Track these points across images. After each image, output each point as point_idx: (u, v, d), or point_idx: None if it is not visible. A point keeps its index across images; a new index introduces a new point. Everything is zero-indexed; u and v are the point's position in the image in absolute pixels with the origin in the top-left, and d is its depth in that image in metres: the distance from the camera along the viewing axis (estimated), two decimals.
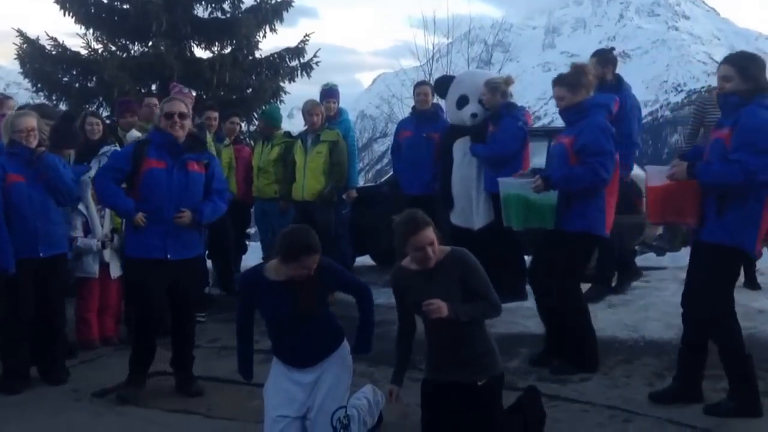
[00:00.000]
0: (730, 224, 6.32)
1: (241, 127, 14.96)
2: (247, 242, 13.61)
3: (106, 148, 9.91)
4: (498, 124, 9.86)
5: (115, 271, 9.46)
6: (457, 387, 5.66)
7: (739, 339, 6.64)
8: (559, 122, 8.49)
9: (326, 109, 11.94)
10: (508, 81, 10.78)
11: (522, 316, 9.61)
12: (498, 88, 10.12)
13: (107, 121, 12.26)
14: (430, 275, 5.68)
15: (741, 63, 6.47)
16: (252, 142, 14.20)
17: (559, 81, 7.85)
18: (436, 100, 11.88)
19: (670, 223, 6.93)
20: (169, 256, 7.51)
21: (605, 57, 10.38)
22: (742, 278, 10.76)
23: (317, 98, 12.13)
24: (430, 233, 5.65)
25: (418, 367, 7.89)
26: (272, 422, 6.07)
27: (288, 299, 6.00)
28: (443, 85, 10.97)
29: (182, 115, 7.45)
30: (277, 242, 6.09)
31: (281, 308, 6.06)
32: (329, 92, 12.43)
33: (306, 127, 11.69)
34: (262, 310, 6.26)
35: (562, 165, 7.67)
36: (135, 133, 9.89)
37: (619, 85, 10.18)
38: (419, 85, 11.93)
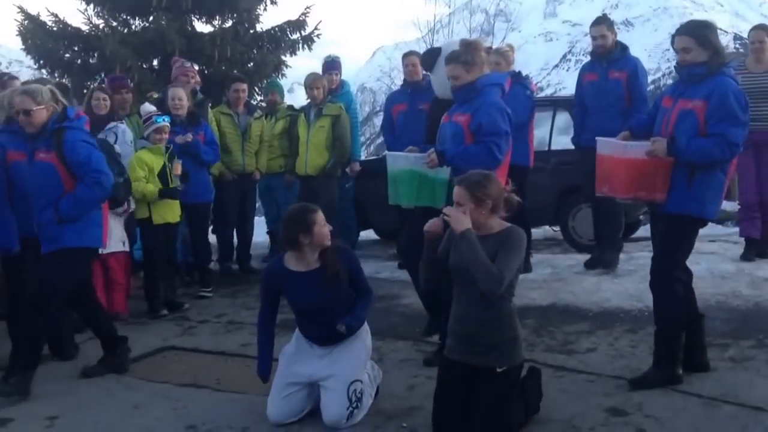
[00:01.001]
0: (697, 195, 6.39)
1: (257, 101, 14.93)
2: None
3: (113, 124, 10.00)
4: (507, 92, 9.76)
5: (116, 245, 9.52)
6: (477, 369, 5.67)
7: (684, 308, 6.72)
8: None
9: (328, 82, 11.98)
10: (512, 47, 10.79)
11: (527, 288, 9.68)
12: (510, 56, 10.15)
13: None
14: (480, 242, 5.64)
15: (699, 32, 6.50)
16: None
17: (454, 59, 7.62)
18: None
19: (640, 199, 6.88)
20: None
21: (611, 22, 10.43)
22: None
23: (319, 71, 12.16)
24: (459, 191, 5.72)
25: (422, 339, 8.01)
26: (283, 386, 6.28)
27: (311, 287, 6.29)
28: (431, 57, 10.51)
29: (25, 113, 7.33)
30: (284, 233, 6.36)
31: (306, 296, 6.32)
32: (331, 65, 12.45)
33: (308, 101, 11.72)
34: (289, 299, 6.48)
35: (458, 144, 7.53)
36: (149, 107, 9.91)
37: (624, 52, 10.23)
38: (407, 55, 11.52)
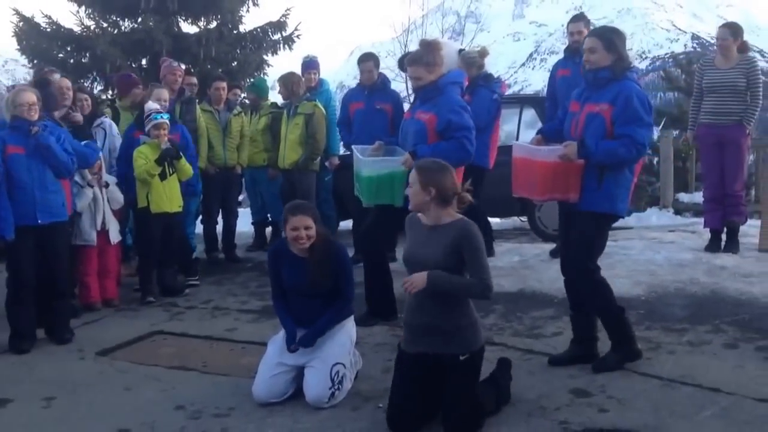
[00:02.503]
0: (608, 194, 6.39)
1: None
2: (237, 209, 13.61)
3: (98, 120, 10.02)
4: (473, 94, 9.78)
5: (115, 236, 9.55)
6: (439, 359, 5.61)
7: (611, 292, 6.72)
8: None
9: (307, 81, 11.97)
10: (483, 53, 10.68)
11: (496, 275, 9.61)
12: (474, 63, 10.09)
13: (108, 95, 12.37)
14: (430, 234, 5.65)
15: (607, 36, 6.49)
16: None
17: (416, 61, 7.56)
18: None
19: (555, 199, 6.84)
20: None
21: (588, 20, 10.45)
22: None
23: (298, 70, 12.17)
24: (412, 173, 5.73)
25: (401, 324, 8.02)
26: (272, 366, 6.32)
27: (303, 272, 6.39)
28: None
29: None
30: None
31: (297, 279, 6.44)
32: (309, 64, 12.41)
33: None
34: (283, 278, 6.57)
35: (421, 141, 7.48)
36: (152, 105, 9.88)
37: None
38: (363, 61, 11.26)
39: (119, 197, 9.55)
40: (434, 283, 5.46)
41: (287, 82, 11.55)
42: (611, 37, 6.48)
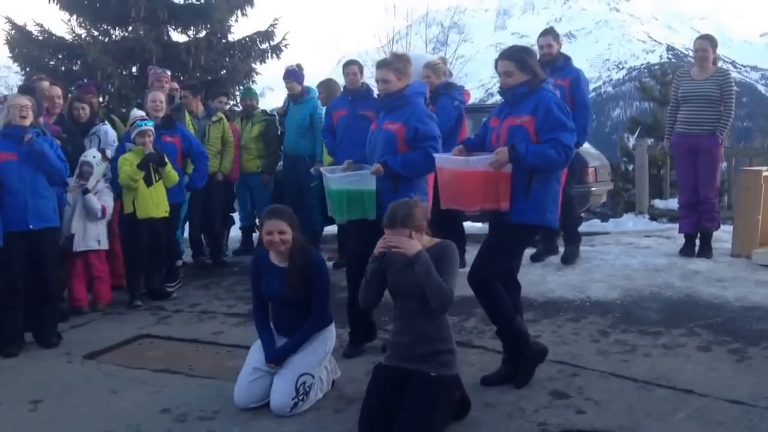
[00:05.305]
0: (535, 204, 6.29)
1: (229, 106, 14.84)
2: (233, 215, 13.54)
3: (95, 128, 9.95)
4: (435, 103, 9.75)
5: (79, 244, 9.42)
6: (411, 373, 5.54)
7: (508, 300, 6.51)
8: None
9: (289, 89, 12.15)
10: (444, 60, 10.77)
11: None
12: (440, 69, 10.12)
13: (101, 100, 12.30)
14: (411, 260, 5.58)
15: (519, 56, 6.44)
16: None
17: (387, 64, 7.46)
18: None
19: (487, 210, 6.68)
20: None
21: (557, 33, 10.45)
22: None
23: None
24: (400, 230, 5.62)
25: (386, 328, 7.96)
26: (249, 372, 6.29)
27: (281, 281, 6.33)
28: None
29: None
30: None
31: (275, 287, 6.40)
32: (291, 73, 12.40)
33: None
34: (263, 287, 6.51)
35: (391, 151, 7.36)
36: (137, 112, 9.81)
37: (567, 61, 10.22)
38: (348, 64, 11.10)
39: (95, 207, 9.44)
40: (420, 259, 5.48)
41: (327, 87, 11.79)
42: (524, 57, 6.45)
